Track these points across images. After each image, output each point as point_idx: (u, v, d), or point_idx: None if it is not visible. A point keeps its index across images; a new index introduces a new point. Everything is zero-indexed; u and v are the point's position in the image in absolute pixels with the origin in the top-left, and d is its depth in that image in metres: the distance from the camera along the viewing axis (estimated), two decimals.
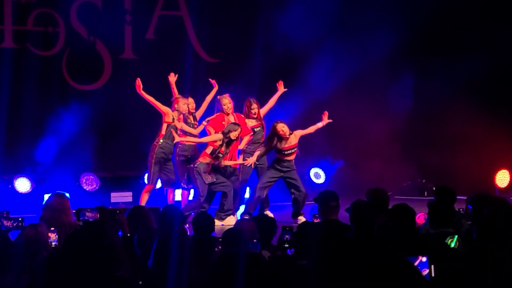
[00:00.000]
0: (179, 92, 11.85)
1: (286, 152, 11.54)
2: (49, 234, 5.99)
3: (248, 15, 14.42)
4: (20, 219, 7.23)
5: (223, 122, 11.49)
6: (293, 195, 11.59)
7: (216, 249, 6.05)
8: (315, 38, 15.04)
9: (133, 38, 14.45)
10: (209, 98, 11.97)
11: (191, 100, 11.83)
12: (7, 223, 7.14)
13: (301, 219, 11.23)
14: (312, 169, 14.82)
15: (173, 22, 14.72)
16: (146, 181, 12.49)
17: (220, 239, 6.07)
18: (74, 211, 7.30)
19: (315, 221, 7.35)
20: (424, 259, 4.76)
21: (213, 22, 14.47)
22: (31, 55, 13.66)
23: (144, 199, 11.36)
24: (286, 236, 6.17)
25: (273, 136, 11.53)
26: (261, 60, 14.55)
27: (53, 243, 5.97)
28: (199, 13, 14.71)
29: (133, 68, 14.10)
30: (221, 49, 14.85)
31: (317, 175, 14.85)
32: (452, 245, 5.63)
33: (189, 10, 14.77)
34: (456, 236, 5.72)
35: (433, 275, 4.79)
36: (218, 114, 11.64)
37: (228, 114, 11.62)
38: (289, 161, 11.57)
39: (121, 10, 14.37)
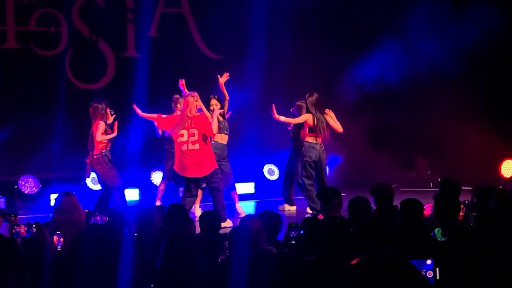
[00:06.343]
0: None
1: None
2: (54, 237, 5.95)
3: (251, 11, 14.38)
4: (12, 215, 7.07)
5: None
6: None
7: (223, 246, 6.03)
8: (318, 33, 15.05)
9: (136, 36, 14.45)
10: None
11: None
12: None
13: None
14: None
15: (175, 19, 14.73)
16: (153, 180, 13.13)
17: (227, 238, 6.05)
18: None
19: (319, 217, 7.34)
20: (429, 261, 4.68)
21: (215, 18, 14.45)
22: (35, 55, 13.66)
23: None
24: (292, 233, 6.13)
25: None
26: (265, 56, 14.55)
27: (58, 246, 5.92)
28: (201, 10, 14.70)
29: (137, 66, 14.12)
30: (224, 45, 14.84)
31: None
32: (438, 237, 5.56)
33: (191, 7, 14.77)
34: (439, 229, 5.67)
35: (438, 278, 4.71)
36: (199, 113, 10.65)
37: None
38: None
39: (123, 8, 14.37)
